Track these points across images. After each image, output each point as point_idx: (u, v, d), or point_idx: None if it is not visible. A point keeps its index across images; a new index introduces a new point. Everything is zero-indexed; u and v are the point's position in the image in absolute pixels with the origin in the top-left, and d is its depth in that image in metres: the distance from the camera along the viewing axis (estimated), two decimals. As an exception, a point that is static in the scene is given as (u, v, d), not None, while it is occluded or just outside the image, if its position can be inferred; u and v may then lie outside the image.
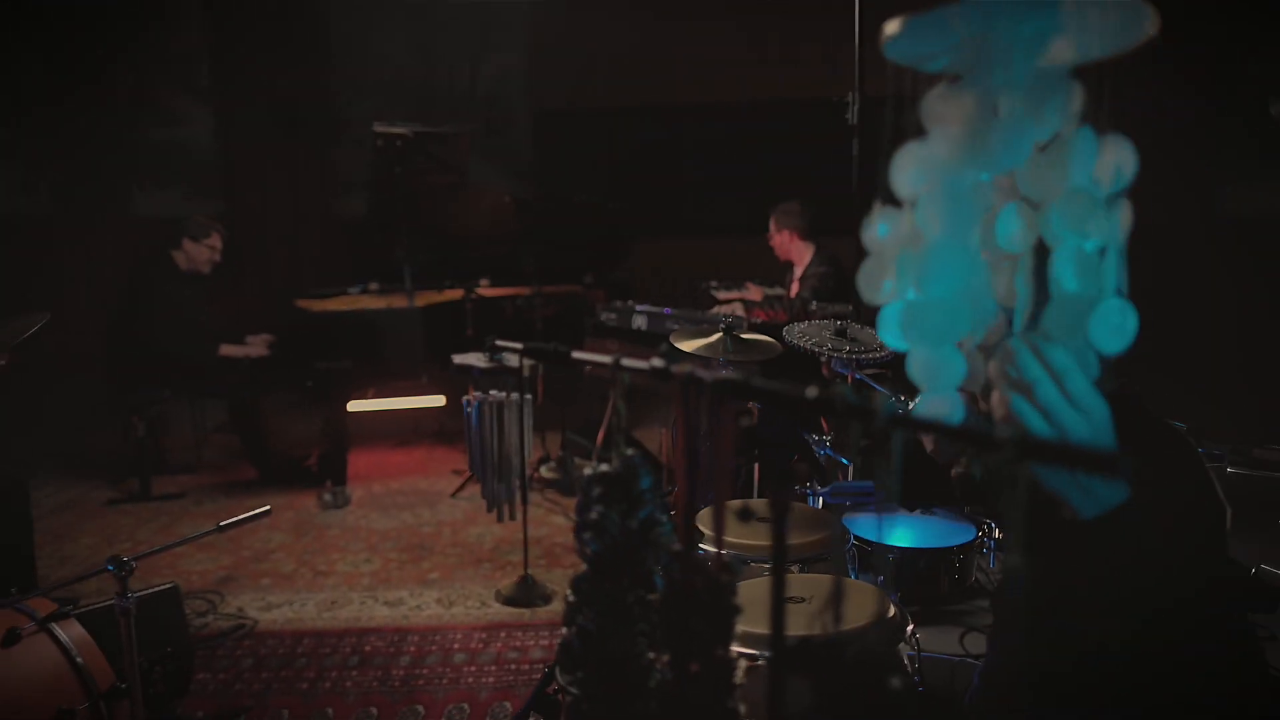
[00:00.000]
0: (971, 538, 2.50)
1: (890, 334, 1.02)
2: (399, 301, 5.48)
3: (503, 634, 3.58)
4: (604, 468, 1.08)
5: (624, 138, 8.47)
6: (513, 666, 3.32)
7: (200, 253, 5.16)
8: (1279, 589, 2.22)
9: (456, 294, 5.48)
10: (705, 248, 7.81)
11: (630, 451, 1.09)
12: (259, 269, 8.24)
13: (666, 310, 4.57)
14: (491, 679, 3.23)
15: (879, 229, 1.03)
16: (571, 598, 1.11)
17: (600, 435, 5.04)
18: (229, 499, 5.21)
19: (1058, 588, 1.19)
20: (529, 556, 4.23)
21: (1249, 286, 5.91)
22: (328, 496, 5.05)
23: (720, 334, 2.63)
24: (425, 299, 5.48)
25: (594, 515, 1.06)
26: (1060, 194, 0.95)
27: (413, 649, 3.46)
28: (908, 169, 0.98)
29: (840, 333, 2.52)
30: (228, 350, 5.15)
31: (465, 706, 3.05)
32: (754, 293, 5.37)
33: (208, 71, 8.37)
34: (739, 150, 8.16)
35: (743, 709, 1.03)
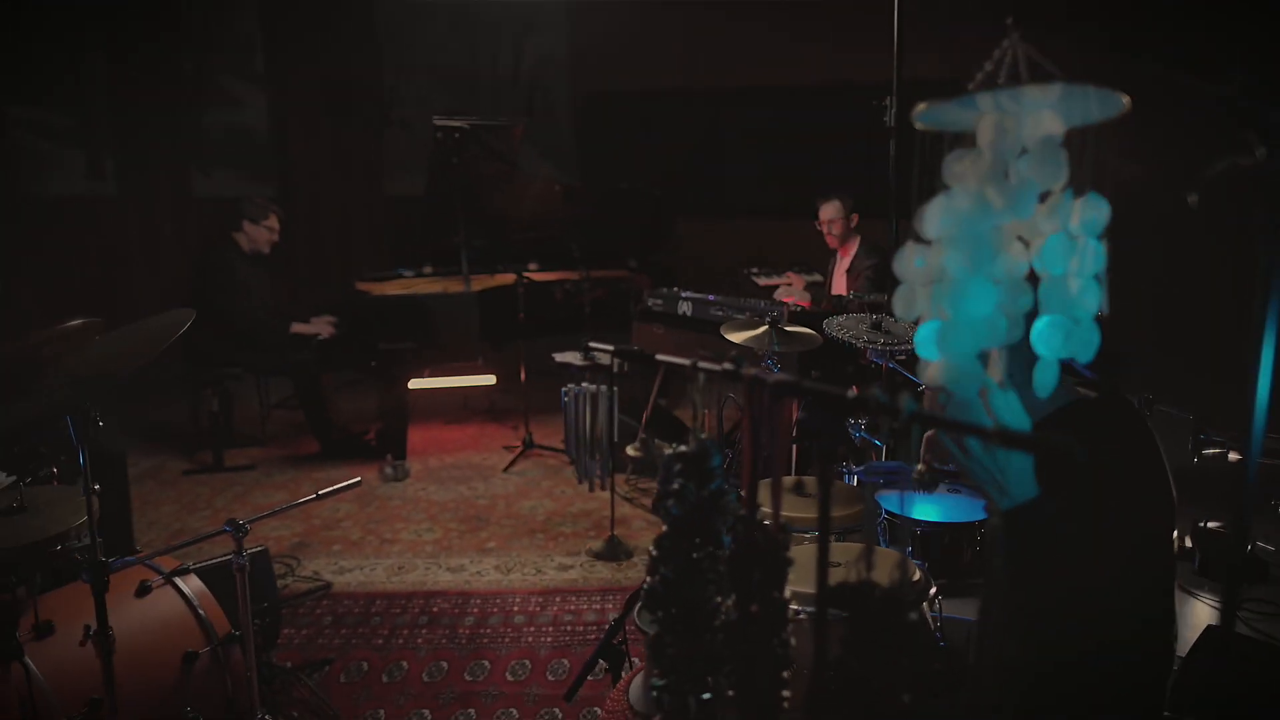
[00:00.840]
0: (994, 515, 2.72)
1: (926, 349, 1.27)
2: (455, 286, 5.77)
3: (557, 599, 3.87)
4: (683, 449, 1.34)
5: (664, 123, 8.69)
6: (568, 628, 3.62)
7: (260, 233, 5.47)
8: (1267, 562, 2.42)
9: (509, 279, 5.75)
10: (744, 233, 8.04)
11: (704, 435, 1.35)
12: (312, 251, 8.59)
13: (710, 297, 4.81)
14: (549, 639, 3.53)
15: (916, 261, 1.28)
16: (654, 552, 1.38)
17: (645, 415, 5.30)
18: (296, 470, 5.55)
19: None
20: (579, 528, 4.53)
21: (1251, 276, 5.97)
22: (389, 470, 5.36)
23: (766, 327, 2.88)
24: (479, 283, 5.76)
25: (675, 486, 1.33)
26: (1052, 236, 1.19)
27: (476, 610, 3.76)
28: (935, 216, 1.22)
29: (875, 326, 2.76)
30: (299, 328, 5.47)
31: (527, 663, 3.35)
32: (795, 281, 5.58)
33: (262, 58, 8.68)
34: (780, 136, 8.37)
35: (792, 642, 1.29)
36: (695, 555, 1.35)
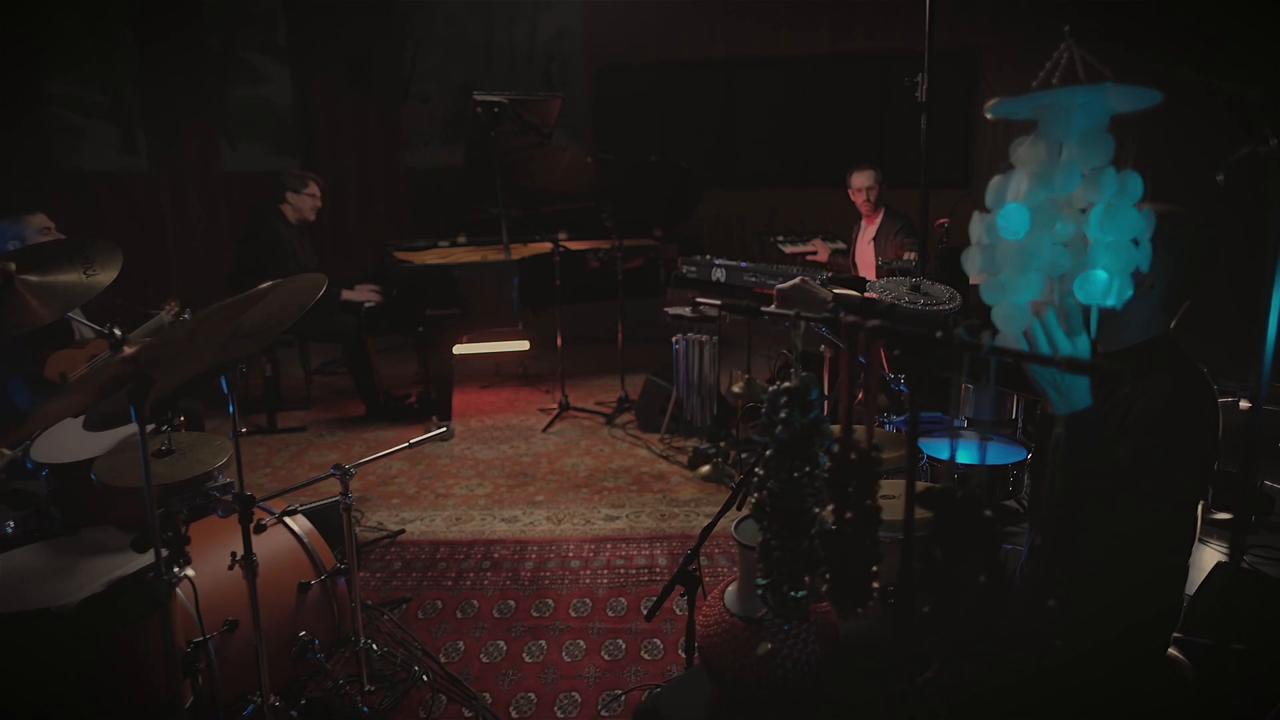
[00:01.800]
0: (1024, 457, 3.01)
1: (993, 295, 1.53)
2: (493, 255, 6.02)
3: (609, 546, 4.16)
4: (788, 384, 1.61)
5: (679, 94, 8.91)
6: (621, 570, 3.91)
7: (304, 202, 5.73)
8: (1273, 499, 2.69)
9: (545, 247, 6.01)
10: (758, 201, 8.28)
11: (805, 374, 1.62)
12: (335, 223, 8.84)
13: (743, 264, 5.06)
14: (605, 580, 3.82)
15: (984, 228, 1.53)
16: (760, 471, 1.65)
17: (676, 384, 5.57)
18: (345, 432, 5.83)
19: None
20: (620, 483, 4.82)
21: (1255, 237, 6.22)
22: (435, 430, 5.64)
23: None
24: (516, 253, 6.02)
25: (783, 415, 1.60)
26: (1098, 206, 1.46)
27: (534, 556, 4.06)
28: (1002, 189, 1.48)
29: (915, 288, 3.01)
30: (347, 295, 5.74)
31: (587, 601, 3.64)
32: (821, 249, 5.83)
33: (284, 33, 8.88)
34: (794, 106, 8.59)
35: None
36: (796, 474, 1.62)
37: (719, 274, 5.13)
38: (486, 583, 3.82)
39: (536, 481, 4.97)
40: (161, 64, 8.19)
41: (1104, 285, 1.47)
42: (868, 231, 5.33)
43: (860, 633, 1.99)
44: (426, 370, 6.03)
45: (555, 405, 6.12)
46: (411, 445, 2.98)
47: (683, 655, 3.22)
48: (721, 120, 8.84)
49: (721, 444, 5.15)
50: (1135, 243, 1.50)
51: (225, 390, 2.23)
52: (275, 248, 5.57)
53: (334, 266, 6.50)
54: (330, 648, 2.87)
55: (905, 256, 4.58)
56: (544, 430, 5.83)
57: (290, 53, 8.90)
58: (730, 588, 1.96)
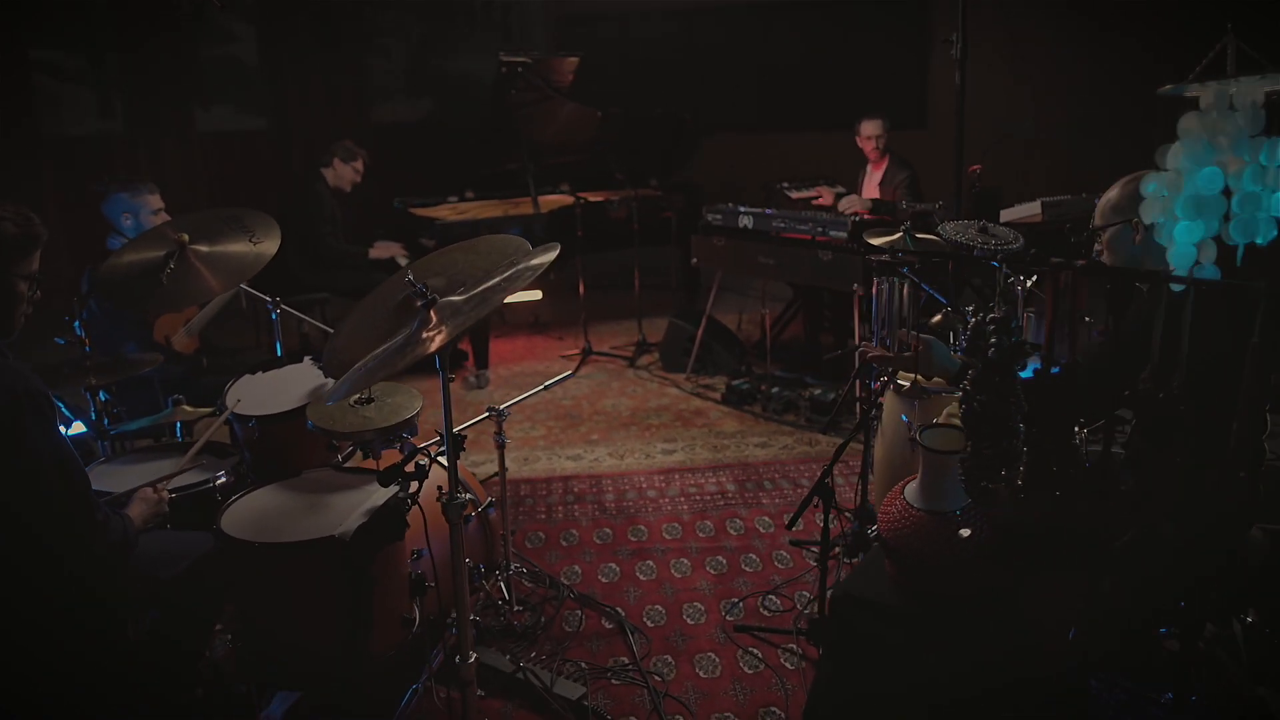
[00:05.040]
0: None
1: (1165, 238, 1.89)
2: (514, 209, 6.25)
3: (676, 476, 4.52)
4: (994, 315, 1.97)
5: (645, 41, 9.09)
6: (697, 497, 4.28)
7: (347, 172, 5.88)
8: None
9: (566, 200, 6.26)
10: (730, 147, 8.57)
11: (1004, 308, 1.98)
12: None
13: (768, 211, 5.39)
14: (685, 506, 4.19)
15: (1149, 187, 1.89)
16: (968, 386, 2.01)
17: (701, 326, 5.91)
18: (384, 382, 6.04)
19: None
20: (664, 420, 5.16)
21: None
22: (472, 378, 5.92)
23: (901, 232, 3.50)
24: (526, 205, 6.25)
25: (993, 340, 1.95)
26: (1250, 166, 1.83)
27: (611, 488, 4.40)
28: (1175, 154, 1.84)
29: (983, 230, 3.39)
30: (376, 253, 5.92)
31: (676, 526, 4.01)
32: (825, 194, 6.19)
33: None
34: (764, 51, 8.88)
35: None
36: (1002, 388, 1.99)
37: (746, 221, 5.45)
38: (577, 514, 4.15)
39: (585, 422, 5.29)
40: (135, 24, 8.10)
41: (1262, 227, 1.84)
42: (874, 177, 5.70)
43: (1010, 521, 2.37)
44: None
45: (576, 351, 6.41)
46: (546, 388, 3.28)
47: (778, 565, 3.62)
48: (688, 67, 9.03)
49: (748, 380, 5.53)
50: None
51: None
52: (319, 207, 5.72)
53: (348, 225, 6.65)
54: (488, 571, 3.18)
55: (921, 207, 4.99)
56: (573, 374, 6.13)
57: (256, 10, 8.83)
58: (910, 487, 2.32)
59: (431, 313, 2.11)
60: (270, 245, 2.96)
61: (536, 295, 7.24)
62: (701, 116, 7.28)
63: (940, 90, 8.42)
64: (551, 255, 2.21)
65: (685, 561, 3.69)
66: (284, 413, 2.79)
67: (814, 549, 3.69)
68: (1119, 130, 7.07)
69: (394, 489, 2.39)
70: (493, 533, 3.20)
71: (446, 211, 6.60)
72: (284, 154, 8.80)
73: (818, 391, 5.16)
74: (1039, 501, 2.00)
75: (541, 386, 3.30)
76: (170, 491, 2.56)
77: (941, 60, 8.50)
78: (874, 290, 2.08)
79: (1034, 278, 3.56)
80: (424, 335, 2.06)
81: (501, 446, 3.10)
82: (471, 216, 6.35)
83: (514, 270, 2.16)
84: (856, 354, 2.81)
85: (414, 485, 2.39)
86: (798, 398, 5.27)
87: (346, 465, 2.80)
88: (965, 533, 2.13)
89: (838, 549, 3.56)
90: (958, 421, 2.95)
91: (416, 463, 2.36)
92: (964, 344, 2.06)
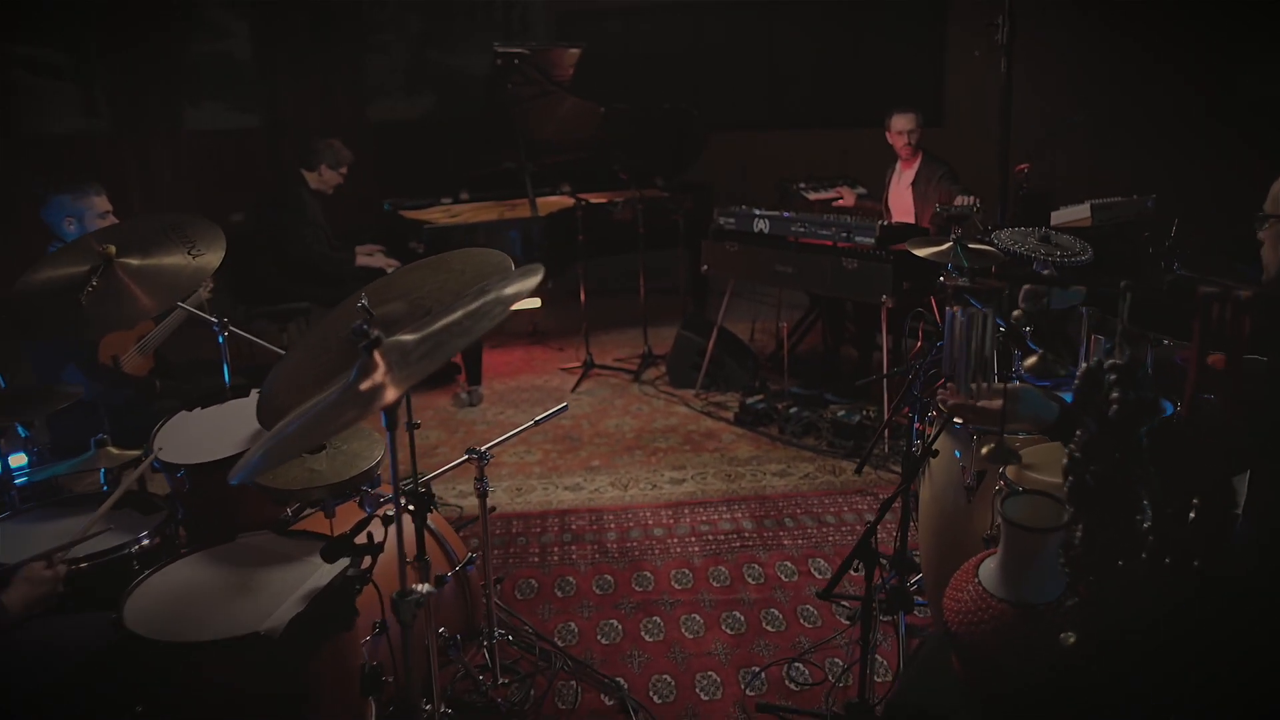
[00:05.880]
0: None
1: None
2: (510, 211, 5.78)
3: (686, 511, 4.04)
4: (1114, 360, 1.49)
5: (647, 37, 8.65)
6: (709, 537, 3.80)
7: (333, 178, 5.42)
8: None
9: (566, 201, 5.78)
10: (739, 146, 8.10)
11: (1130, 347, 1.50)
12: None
13: (786, 214, 4.91)
14: (697, 548, 3.71)
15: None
16: (1078, 454, 1.53)
17: (712, 338, 5.43)
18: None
19: None
20: (672, 443, 4.70)
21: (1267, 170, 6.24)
22: (464, 395, 5.44)
23: (952, 243, 3.02)
24: (526, 208, 5.78)
25: (1114, 392, 1.47)
26: None
27: (613, 526, 3.92)
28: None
29: (1045, 239, 2.91)
30: (363, 261, 5.45)
31: (687, 571, 3.53)
32: (846, 195, 5.70)
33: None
34: (769, 47, 8.41)
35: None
36: (1123, 456, 1.51)
37: (762, 225, 4.98)
38: (575, 557, 3.67)
39: (585, 445, 4.81)
40: (121, 19, 7.66)
41: None
42: (905, 176, 5.20)
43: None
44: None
45: (577, 364, 5.94)
46: (537, 423, 2.81)
47: (804, 624, 3.14)
48: (693, 63, 8.58)
49: (763, 398, 5.05)
50: None
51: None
52: (301, 211, 5.25)
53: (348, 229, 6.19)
54: (464, 640, 2.71)
55: (961, 202, 4.46)
56: (573, 390, 5.66)
57: (249, 5, 8.41)
58: (987, 568, 1.85)
59: (376, 356, 1.61)
60: (213, 258, 2.49)
61: (535, 304, 6.76)
62: (710, 114, 6.83)
63: (958, 86, 7.93)
64: (531, 282, 1.73)
65: (697, 618, 3.22)
66: (218, 461, 2.31)
67: (846, 604, 3.22)
68: (1147, 131, 6.59)
69: (343, 565, 1.92)
70: (473, 594, 2.73)
71: (439, 214, 6.13)
72: (278, 153, 8.37)
73: (841, 413, 4.68)
74: (1170, 603, 1.53)
75: (531, 422, 2.83)
76: (75, 562, 2.09)
77: (961, 54, 8.11)
78: (948, 320, 1.64)
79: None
80: (363, 387, 1.56)
81: (484, 495, 2.62)
82: (465, 220, 5.88)
83: (482, 303, 1.68)
84: (937, 402, 2.30)
85: (366, 560, 1.92)
86: (818, 419, 4.79)
87: (293, 527, 2.32)
88: (1069, 638, 1.64)
89: (873, 604, 3.09)
90: (1035, 462, 2.47)
91: (370, 533, 1.88)
92: (1073, 395, 1.58)
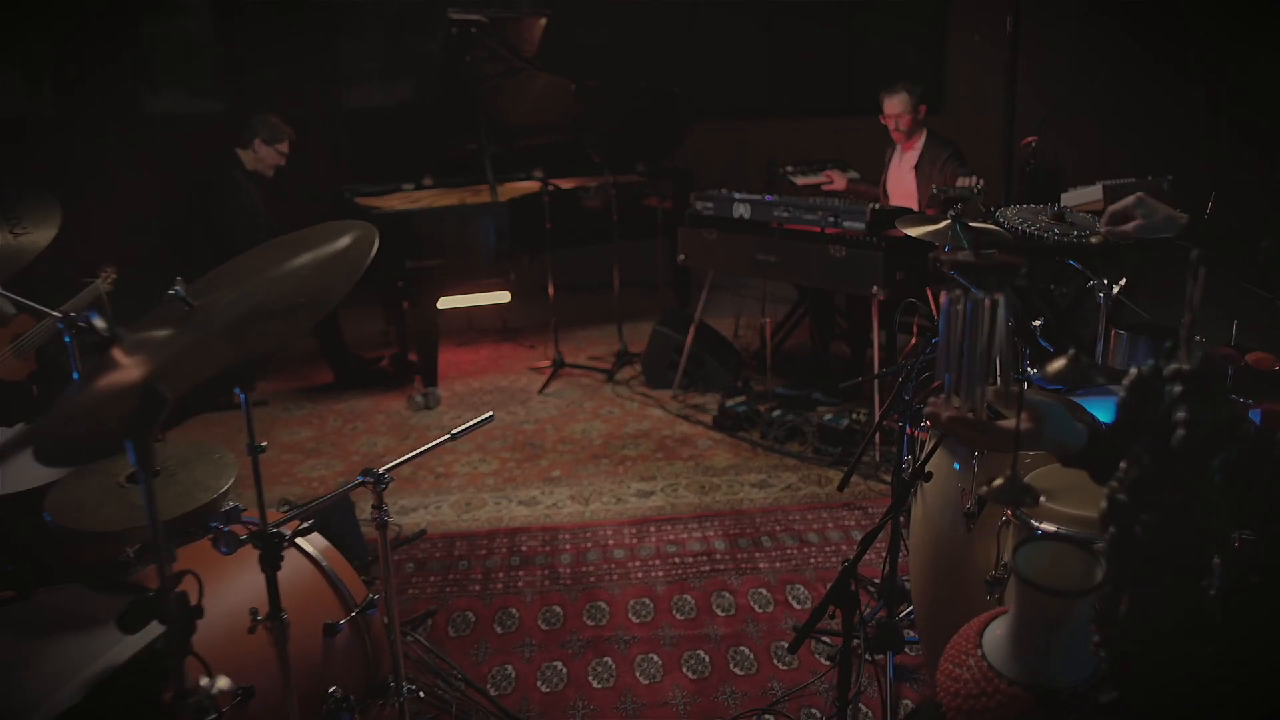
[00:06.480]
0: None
1: None
2: (473, 196, 5.33)
3: (651, 528, 3.59)
4: (1178, 365, 1.04)
5: (632, 20, 8.17)
6: (676, 560, 3.35)
7: (270, 155, 4.98)
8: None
9: (532, 186, 5.34)
10: (733, 134, 7.64)
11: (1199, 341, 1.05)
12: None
13: (769, 198, 4.46)
14: (661, 573, 3.26)
15: None
16: (1124, 497, 1.09)
17: (690, 334, 4.98)
18: (313, 403, 5.14)
19: None
20: (643, 450, 4.26)
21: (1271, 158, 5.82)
22: (419, 398, 4.99)
23: (949, 221, 2.57)
24: (502, 193, 5.34)
25: (1181, 410, 1.03)
26: None
27: (569, 547, 3.47)
28: None
29: (1058, 217, 2.46)
30: (306, 252, 5.00)
31: (647, 601, 3.08)
32: (837, 179, 5.25)
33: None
34: (761, 33, 7.93)
35: None
36: (1187, 498, 1.07)
37: (742, 210, 4.52)
38: (522, 584, 3.22)
39: (548, 453, 4.37)
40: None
41: None
42: (906, 158, 4.72)
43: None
44: (404, 329, 5.35)
45: (548, 362, 5.49)
46: (454, 437, 2.36)
47: (778, 664, 2.70)
48: (688, 48, 8.10)
49: (745, 399, 4.60)
50: None
51: (244, 405, 1.57)
52: (233, 197, 4.80)
53: (277, 218, 5.74)
54: (364, 699, 2.26)
55: (962, 183, 4.01)
56: (540, 392, 5.21)
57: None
58: (992, 635, 1.40)
59: (117, 355, 1.15)
60: (40, 236, 2.04)
61: (505, 297, 6.30)
62: (702, 100, 6.37)
63: (961, 68, 7.47)
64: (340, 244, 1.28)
65: (655, 659, 2.77)
66: (21, 493, 1.85)
67: (827, 641, 2.78)
68: (1156, 113, 6.14)
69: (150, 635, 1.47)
70: (375, 642, 2.28)
71: (398, 200, 5.67)
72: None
73: (828, 416, 4.22)
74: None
75: (446, 437, 2.37)
76: None
77: (962, 37, 7.66)
78: (941, 307, 1.23)
79: (1123, 281, 2.64)
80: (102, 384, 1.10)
81: (383, 526, 2.16)
82: (425, 205, 5.43)
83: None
84: (926, 417, 1.82)
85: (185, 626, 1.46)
86: (804, 423, 4.35)
87: (119, 576, 1.86)
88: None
89: (858, 642, 2.65)
90: (1051, 487, 1.98)
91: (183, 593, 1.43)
92: (1117, 413, 1.13)
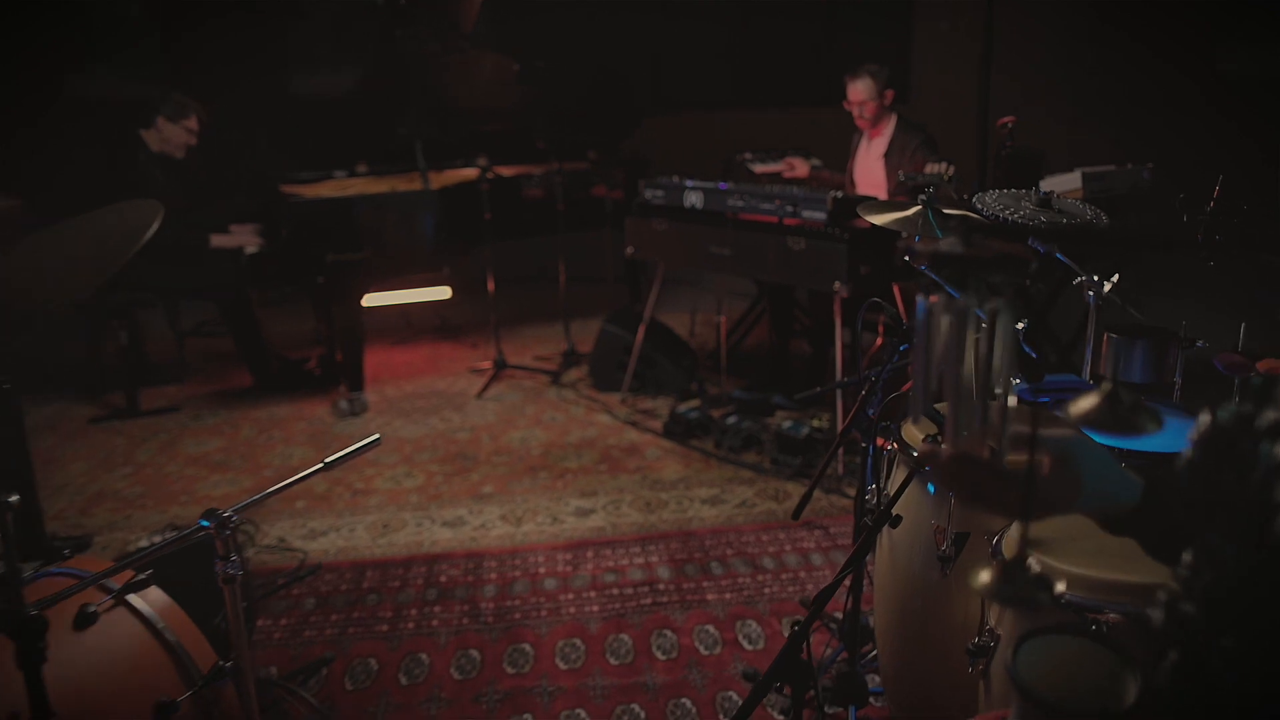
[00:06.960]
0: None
1: None
2: (405, 184, 4.91)
3: (589, 553, 3.21)
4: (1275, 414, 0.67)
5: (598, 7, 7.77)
6: (614, 591, 2.97)
7: (176, 134, 4.53)
8: None
9: (470, 174, 4.93)
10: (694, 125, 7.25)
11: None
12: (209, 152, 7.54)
13: (722, 185, 4.09)
14: (596, 607, 2.88)
15: None
16: (1189, 609, 0.72)
17: (640, 333, 4.60)
18: (229, 410, 4.70)
19: None
20: (585, 461, 3.88)
21: (1248, 149, 5.55)
22: (344, 404, 4.57)
23: (920, 207, 2.20)
24: (436, 181, 4.93)
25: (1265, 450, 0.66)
26: None
27: (494, 576, 3.08)
28: None
29: (1044, 203, 2.11)
30: (219, 241, 4.56)
31: (578, 642, 2.69)
32: (799, 166, 4.87)
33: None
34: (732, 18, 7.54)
35: None
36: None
37: (694, 199, 4.15)
38: (436, 623, 2.82)
39: (480, 465, 3.97)
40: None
41: None
42: (874, 145, 4.34)
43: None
44: (330, 327, 4.92)
45: (489, 364, 5.09)
46: (328, 465, 1.96)
47: (724, 716, 2.33)
48: (647, 38, 7.69)
49: (698, 404, 4.24)
50: None
51: None
52: (134, 183, 4.35)
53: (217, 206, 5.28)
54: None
55: (931, 169, 3.65)
56: (478, 396, 4.81)
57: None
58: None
59: None
60: None
61: (445, 293, 5.90)
62: (664, 91, 5.97)
63: (927, 57, 7.13)
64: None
65: (582, 715, 2.39)
66: None
67: (783, 693, 2.41)
68: (1119, 104, 5.85)
69: None
70: (229, 716, 1.88)
71: (329, 188, 5.24)
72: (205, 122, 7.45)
73: (787, 424, 3.86)
74: None
75: (321, 465, 1.98)
76: None
77: (927, 24, 7.32)
78: (920, 315, 0.90)
79: (1114, 276, 2.29)
80: None
81: (230, 581, 1.76)
82: (354, 193, 5.00)
83: None
84: (926, 464, 1.39)
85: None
86: (761, 430, 3.98)
87: None
88: None
89: (811, 693, 2.29)
90: (1049, 537, 1.56)
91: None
92: (1187, 477, 0.77)
